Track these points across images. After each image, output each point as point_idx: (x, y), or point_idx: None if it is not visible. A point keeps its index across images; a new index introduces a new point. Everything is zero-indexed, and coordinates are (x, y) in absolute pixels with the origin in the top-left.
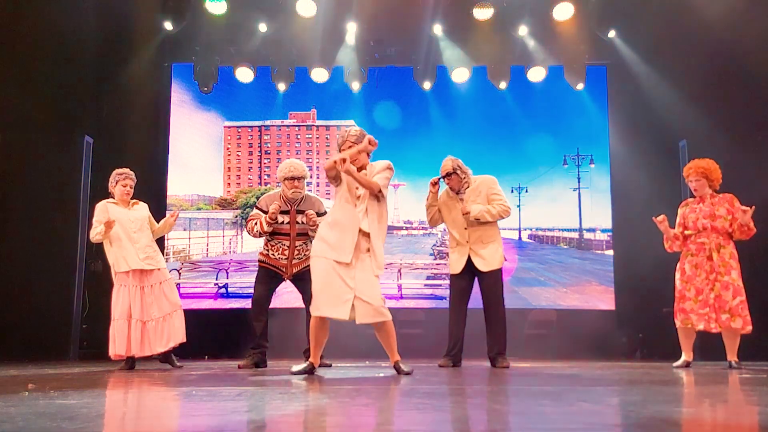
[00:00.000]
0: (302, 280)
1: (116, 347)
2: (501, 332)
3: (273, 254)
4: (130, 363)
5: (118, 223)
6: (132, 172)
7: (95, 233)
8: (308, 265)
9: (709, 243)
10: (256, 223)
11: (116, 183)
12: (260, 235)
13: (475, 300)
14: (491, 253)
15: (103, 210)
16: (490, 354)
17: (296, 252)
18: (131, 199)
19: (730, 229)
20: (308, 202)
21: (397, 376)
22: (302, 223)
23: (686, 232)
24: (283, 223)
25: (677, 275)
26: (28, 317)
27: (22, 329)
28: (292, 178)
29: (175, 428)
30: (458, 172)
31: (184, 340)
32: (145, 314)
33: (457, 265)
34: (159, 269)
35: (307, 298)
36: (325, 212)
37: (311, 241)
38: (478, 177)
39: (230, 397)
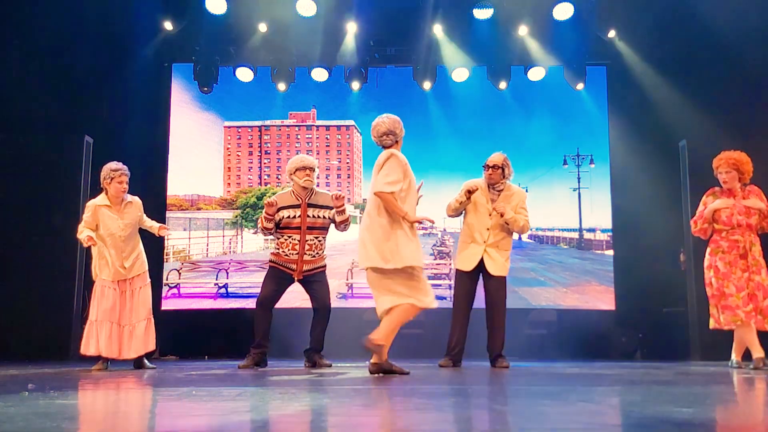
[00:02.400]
0: (312, 282)
1: (89, 346)
2: (502, 335)
3: (284, 251)
4: (106, 364)
5: (108, 231)
6: (126, 167)
7: (80, 236)
8: (320, 266)
9: (743, 241)
10: (259, 220)
11: (111, 180)
12: (265, 231)
13: (480, 300)
14: (503, 260)
15: (93, 214)
16: (491, 355)
17: (307, 247)
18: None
19: (759, 225)
20: (320, 197)
21: (397, 376)
22: (314, 216)
23: (716, 226)
24: (293, 217)
25: (710, 273)
26: (28, 317)
27: (22, 329)
28: (304, 168)
29: (175, 428)
30: (505, 168)
31: (154, 348)
32: (123, 319)
33: (469, 263)
34: (140, 274)
35: (315, 299)
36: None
37: (324, 238)
38: (512, 186)
39: (230, 397)
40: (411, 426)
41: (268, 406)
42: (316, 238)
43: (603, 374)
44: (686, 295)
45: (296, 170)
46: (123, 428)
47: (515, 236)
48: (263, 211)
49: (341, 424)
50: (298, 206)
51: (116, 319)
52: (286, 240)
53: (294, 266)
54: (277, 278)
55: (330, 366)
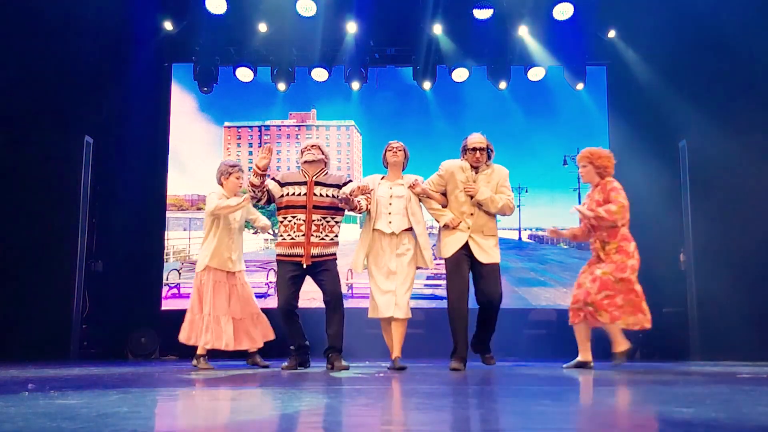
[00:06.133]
0: (320, 271)
1: (214, 341)
2: (492, 331)
3: (289, 234)
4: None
5: (230, 220)
6: (240, 164)
7: (227, 203)
8: (330, 253)
9: None
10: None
11: (229, 175)
12: (252, 190)
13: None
14: (491, 246)
15: (221, 197)
16: (480, 353)
17: (314, 228)
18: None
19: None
20: (330, 177)
21: (398, 376)
22: (321, 195)
23: None
24: (299, 195)
25: None
26: (28, 317)
27: (22, 329)
28: (306, 147)
29: (175, 428)
30: (489, 150)
31: (273, 337)
32: (234, 311)
33: (450, 247)
34: (242, 271)
35: (324, 291)
36: (350, 181)
37: (336, 222)
38: (493, 165)
39: (230, 397)
40: (410, 426)
41: (268, 406)
42: (324, 218)
43: (603, 374)
44: (686, 295)
45: (301, 153)
46: (122, 428)
47: (515, 236)
48: (270, 181)
49: (341, 424)
50: (304, 183)
51: (230, 313)
52: (290, 221)
53: (301, 250)
54: (288, 276)
55: (347, 368)
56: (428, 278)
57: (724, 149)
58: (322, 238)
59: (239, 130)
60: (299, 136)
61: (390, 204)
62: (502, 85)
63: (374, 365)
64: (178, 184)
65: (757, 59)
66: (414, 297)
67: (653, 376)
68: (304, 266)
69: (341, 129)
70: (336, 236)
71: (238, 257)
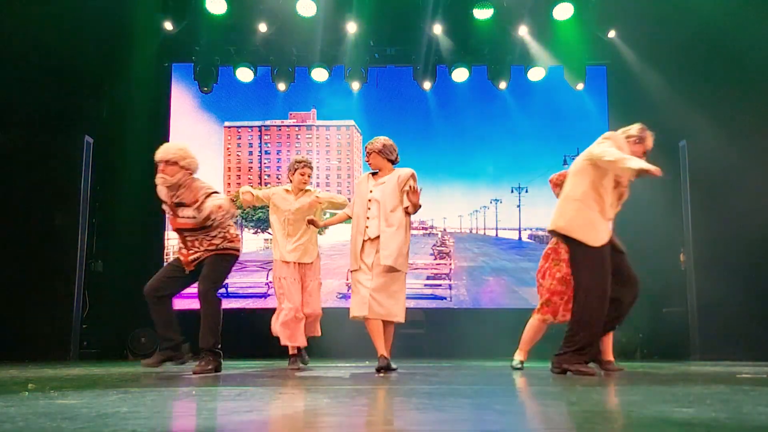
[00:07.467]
0: (203, 268)
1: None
2: None
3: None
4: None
5: (279, 213)
6: (310, 161)
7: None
8: (210, 250)
9: None
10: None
11: (294, 171)
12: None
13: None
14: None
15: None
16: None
17: (189, 243)
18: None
19: None
20: (188, 191)
21: (397, 376)
22: (181, 217)
23: None
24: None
25: None
26: (29, 317)
27: (22, 329)
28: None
29: (175, 428)
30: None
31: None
32: (305, 306)
33: (603, 234)
34: (309, 262)
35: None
36: (213, 193)
37: (213, 236)
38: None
39: (230, 397)
40: (410, 426)
41: (268, 406)
42: (194, 237)
43: (603, 374)
44: (686, 295)
45: None
46: (123, 428)
47: (515, 236)
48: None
49: (341, 424)
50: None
51: (300, 306)
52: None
53: (182, 258)
54: (173, 266)
55: (212, 370)
56: (428, 278)
57: (724, 149)
58: (197, 247)
59: (239, 130)
60: (299, 136)
61: (369, 209)
62: (502, 85)
63: (374, 365)
64: None
65: (756, 59)
66: (414, 297)
67: (653, 376)
68: (188, 272)
69: (341, 129)
70: (219, 244)
71: (296, 248)
